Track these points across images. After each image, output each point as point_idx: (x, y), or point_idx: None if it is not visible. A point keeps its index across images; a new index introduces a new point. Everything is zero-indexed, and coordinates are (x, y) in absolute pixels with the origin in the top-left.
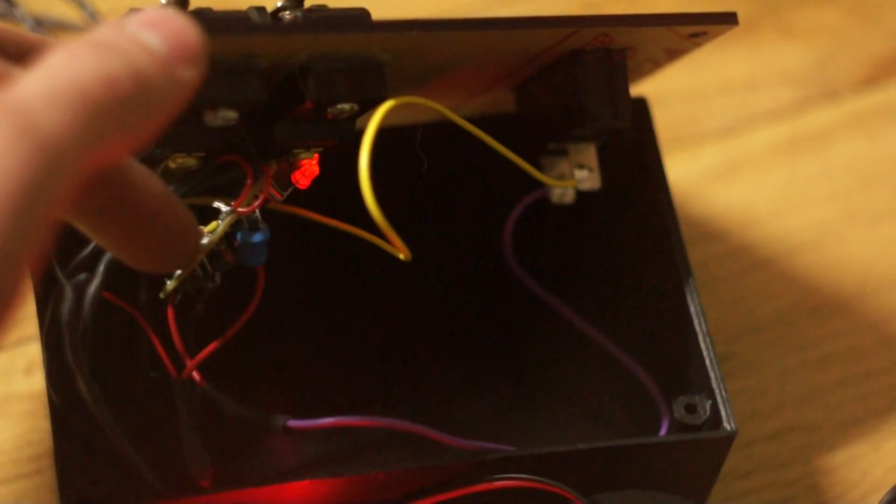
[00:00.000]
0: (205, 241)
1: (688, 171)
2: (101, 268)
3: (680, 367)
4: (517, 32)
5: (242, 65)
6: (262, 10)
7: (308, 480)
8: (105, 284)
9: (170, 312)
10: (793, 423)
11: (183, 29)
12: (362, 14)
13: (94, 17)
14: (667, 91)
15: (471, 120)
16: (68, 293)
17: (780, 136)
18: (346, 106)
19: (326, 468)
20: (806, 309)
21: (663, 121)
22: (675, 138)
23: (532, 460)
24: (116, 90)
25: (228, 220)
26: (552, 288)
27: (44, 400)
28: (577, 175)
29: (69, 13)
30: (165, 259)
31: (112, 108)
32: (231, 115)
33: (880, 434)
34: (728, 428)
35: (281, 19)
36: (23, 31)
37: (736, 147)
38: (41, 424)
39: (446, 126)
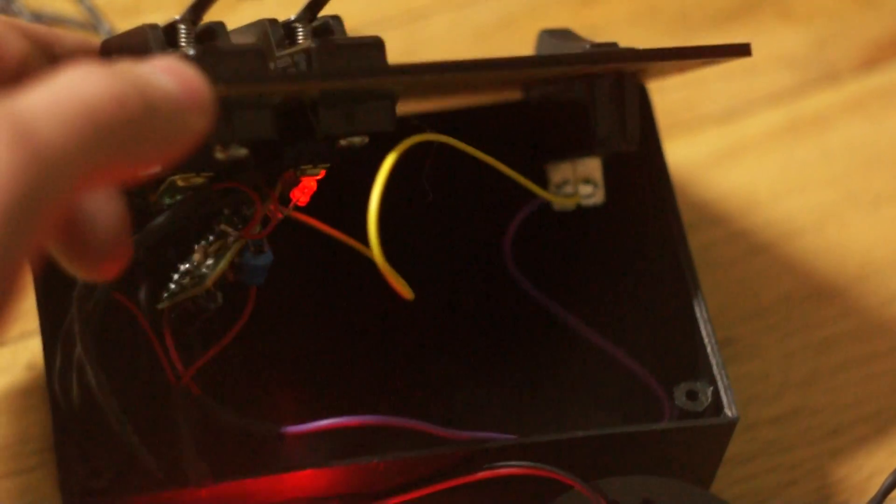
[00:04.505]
0: (217, 266)
1: (688, 156)
2: None
3: (681, 354)
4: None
5: (255, 101)
6: (274, 22)
7: (309, 470)
8: (114, 282)
9: (166, 329)
10: (796, 406)
11: (195, 79)
12: (376, 45)
13: (91, 12)
14: None
15: (476, 110)
16: (79, 287)
17: (780, 120)
18: (357, 139)
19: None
20: (807, 292)
21: (663, 106)
22: (674, 123)
23: (534, 448)
24: (126, 110)
25: (237, 245)
26: (554, 274)
27: (45, 394)
28: (582, 191)
29: (67, 8)
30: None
31: (119, 127)
32: (241, 152)
33: (883, 416)
34: (729, 414)
35: (294, 40)
36: (60, 31)
37: (736, 131)
38: (43, 418)
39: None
